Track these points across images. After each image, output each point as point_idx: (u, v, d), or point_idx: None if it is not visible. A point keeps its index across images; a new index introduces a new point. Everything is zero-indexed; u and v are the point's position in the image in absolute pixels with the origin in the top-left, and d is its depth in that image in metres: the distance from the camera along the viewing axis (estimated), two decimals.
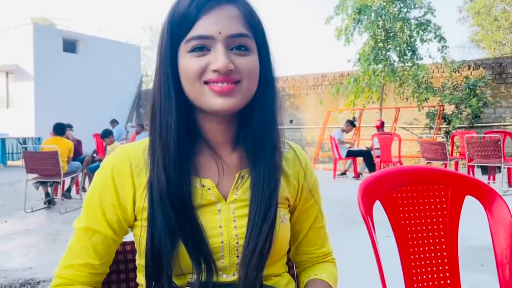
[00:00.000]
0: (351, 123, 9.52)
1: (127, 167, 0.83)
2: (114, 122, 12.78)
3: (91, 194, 0.85)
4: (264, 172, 0.82)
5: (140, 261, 0.86)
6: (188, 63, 0.77)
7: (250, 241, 0.79)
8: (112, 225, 0.84)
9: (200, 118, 0.84)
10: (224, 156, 0.86)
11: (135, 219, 0.85)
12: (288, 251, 0.99)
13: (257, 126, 0.83)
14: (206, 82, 0.77)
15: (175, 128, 0.79)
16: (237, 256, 0.82)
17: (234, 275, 0.82)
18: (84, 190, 6.78)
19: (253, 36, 0.80)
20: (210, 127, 0.84)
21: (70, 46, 16.47)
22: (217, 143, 0.85)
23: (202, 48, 0.76)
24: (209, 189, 0.83)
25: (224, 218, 0.82)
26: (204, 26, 0.75)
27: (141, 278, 0.87)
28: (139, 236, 0.83)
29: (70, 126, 7.11)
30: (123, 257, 0.99)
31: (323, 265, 0.97)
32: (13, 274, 3.27)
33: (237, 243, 0.81)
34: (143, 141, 0.86)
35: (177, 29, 0.77)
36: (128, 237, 0.91)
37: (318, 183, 0.97)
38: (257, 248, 0.78)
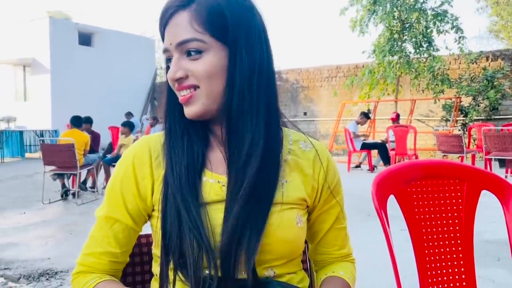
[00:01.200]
0: (366, 115, 9.44)
1: (147, 158, 0.85)
2: (129, 114, 12.90)
3: (113, 183, 0.87)
4: (238, 174, 0.79)
5: (155, 251, 0.88)
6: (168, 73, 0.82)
7: (223, 241, 0.77)
8: (133, 214, 0.85)
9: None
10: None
11: (153, 209, 0.86)
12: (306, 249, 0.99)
13: (235, 125, 0.80)
14: (178, 90, 0.81)
15: (184, 124, 0.82)
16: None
17: (244, 273, 0.82)
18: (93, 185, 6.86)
19: (212, 35, 0.77)
20: (213, 127, 0.86)
21: (85, 39, 16.62)
22: (220, 140, 0.85)
23: (170, 59, 0.82)
24: (223, 185, 0.83)
25: None
26: (165, 40, 0.81)
27: (156, 268, 0.89)
28: (155, 227, 0.85)
29: (90, 121, 7.10)
30: (138, 249, 1.00)
31: (341, 263, 0.95)
32: (31, 264, 3.34)
33: None
34: (163, 132, 0.87)
35: (163, 40, 0.84)
36: (143, 230, 0.92)
37: (341, 184, 0.94)
38: (232, 249, 0.76)
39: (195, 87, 0.79)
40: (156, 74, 19.34)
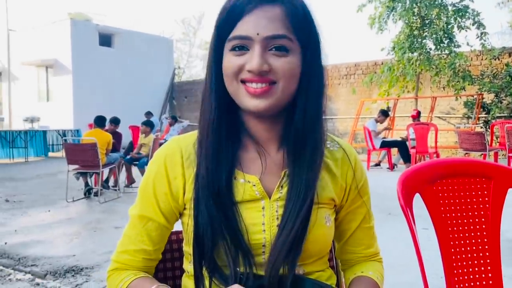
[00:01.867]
0: (384, 113, 9.32)
1: (179, 158, 0.87)
2: (149, 114, 13.03)
3: (145, 183, 0.89)
4: (302, 172, 0.81)
5: (186, 248, 0.89)
6: (228, 60, 0.79)
7: (279, 239, 0.79)
8: (165, 213, 0.87)
9: (245, 116, 0.86)
10: (270, 153, 0.86)
11: (184, 208, 0.88)
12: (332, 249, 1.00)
13: (299, 125, 0.82)
14: (242, 81, 0.79)
15: (217, 124, 0.82)
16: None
17: (284, 270, 0.83)
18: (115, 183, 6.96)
19: (296, 36, 0.78)
20: (254, 125, 0.86)
21: (106, 40, 16.86)
22: (262, 140, 0.86)
23: (242, 48, 0.78)
24: (254, 185, 0.84)
25: (267, 215, 0.83)
26: (244, 26, 0.77)
27: (187, 265, 0.91)
28: (186, 225, 0.87)
29: (116, 122, 7.17)
30: (169, 246, 1.03)
31: (370, 263, 0.96)
32: (57, 261, 3.42)
33: None
34: (194, 133, 0.89)
35: (222, 28, 0.80)
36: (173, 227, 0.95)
37: (368, 183, 0.95)
38: (285, 246, 0.78)
39: (273, 82, 0.78)
40: (174, 73, 19.50)
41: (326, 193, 0.86)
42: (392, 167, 8.92)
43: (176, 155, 0.87)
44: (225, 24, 0.79)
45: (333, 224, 0.89)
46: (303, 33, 0.80)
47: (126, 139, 9.60)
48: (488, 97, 10.77)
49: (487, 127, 9.79)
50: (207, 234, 0.80)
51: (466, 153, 8.07)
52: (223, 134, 0.83)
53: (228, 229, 0.79)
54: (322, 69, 0.83)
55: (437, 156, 8.46)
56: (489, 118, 10.47)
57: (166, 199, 0.87)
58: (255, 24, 0.77)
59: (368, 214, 0.95)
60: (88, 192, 6.26)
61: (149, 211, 0.88)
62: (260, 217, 0.83)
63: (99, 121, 6.53)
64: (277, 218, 0.83)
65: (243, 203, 0.83)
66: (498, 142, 9.54)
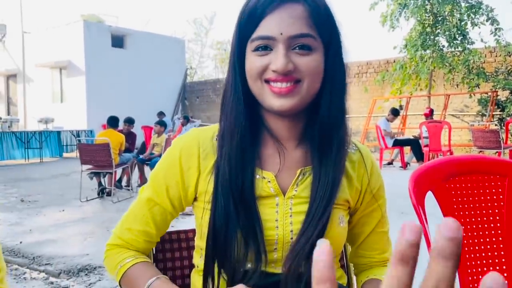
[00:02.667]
0: (394, 112, 9.23)
1: (196, 149, 0.87)
2: (161, 114, 13.11)
3: (158, 169, 0.90)
4: (328, 170, 0.81)
5: (198, 242, 0.89)
6: (251, 61, 0.79)
7: (303, 237, 0.79)
8: (173, 201, 0.88)
9: (265, 114, 0.85)
10: (288, 150, 0.86)
11: (195, 200, 0.88)
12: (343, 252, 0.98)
13: (324, 123, 0.82)
14: (266, 81, 0.79)
15: (240, 121, 0.82)
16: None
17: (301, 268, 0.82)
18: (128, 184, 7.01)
19: (318, 34, 0.78)
20: (275, 123, 0.85)
21: (118, 41, 17.00)
22: (281, 137, 0.86)
23: (265, 48, 0.78)
24: (269, 181, 0.84)
25: (281, 212, 0.83)
26: (267, 26, 0.77)
27: (197, 259, 0.90)
28: (200, 218, 0.87)
29: (131, 122, 7.22)
30: (177, 245, 1.03)
31: (384, 268, 0.94)
32: (71, 260, 3.46)
33: (291, 238, 0.82)
34: (213, 126, 0.90)
35: (244, 27, 0.79)
36: (182, 226, 0.95)
37: (384, 188, 0.94)
38: (309, 243, 0.78)
39: (298, 81, 0.78)
40: (186, 74, 19.58)
41: (342, 194, 0.86)
42: (405, 165, 8.84)
43: (193, 147, 0.87)
44: (247, 24, 0.79)
45: (347, 225, 0.89)
46: (326, 31, 0.79)
47: (139, 139, 9.68)
48: (503, 94, 10.60)
49: (502, 124, 9.64)
50: (224, 229, 0.80)
51: (481, 151, 7.96)
52: (246, 132, 0.83)
53: (248, 226, 0.80)
54: (344, 67, 0.83)
55: (451, 154, 8.36)
56: (504, 116, 10.31)
57: (176, 188, 0.88)
58: (278, 24, 0.76)
59: (383, 218, 0.93)
60: (101, 192, 6.31)
61: (157, 197, 0.89)
62: (274, 214, 0.83)
63: (112, 122, 6.59)
64: (291, 216, 0.83)
65: (258, 199, 0.83)
66: None
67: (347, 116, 0.85)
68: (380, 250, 0.94)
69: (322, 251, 0.28)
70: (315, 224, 0.79)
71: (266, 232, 0.81)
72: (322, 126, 0.82)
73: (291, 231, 0.82)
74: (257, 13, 0.77)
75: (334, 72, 0.81)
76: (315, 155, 0.83)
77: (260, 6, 0.77)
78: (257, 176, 0.84)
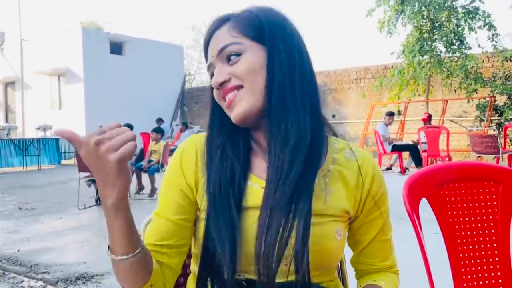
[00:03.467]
0: (389, 115, 9.25)
1: (194, 155, 0.87)
2: (160, 120, 13.10)
3: (164, 180, 0.89)
4: (279, 184, 0.77)
5: (194, 249, 0.88)
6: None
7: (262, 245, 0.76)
8: (180, 209, 0.85)
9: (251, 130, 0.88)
10: None
11: (197, 208, 0.87)
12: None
13: (279, 124, 0.80)
14: (224, 99, 0.84)
15: (225, 133, 0.86)
16: (285, 265, 0.79)
17: (287, 278, 0.81)
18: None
19: (247, 37, 0.82)
20: (254, 133, 0.87)
21: (116, 48, 17.04)
22: (266, 146, 0.84)
23: (213, 74, 0.86)
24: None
25: None
26: (208, 57, 0.87)
27: (194, 266, 0.90)
28: (196, 226, 0.86)
29: (130, 128, 7.25)
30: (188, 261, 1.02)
31: (384, 274, 0.93)
32: (68, 268, 3.45)
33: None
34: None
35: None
36: None
37: (387, 194, 0.91)
38: (270, 253, 0.75)
39: (239, 87, 0.81)
40: (185, 80, 19.61)
41: (340, 205, 0.84)
42: (403, 170, 8.84)
43: (191, 154, 0.88)
44: (206, 56, 0.89)
45: (345, 237, 0.87)
46: (257, 30, 0.82)
47: (137, 146, 9.67)
48: (501, 99, 10.64)
49: (500, 129, 9.67)
50: (218, 238, 0.79)
51: (479, 156, 7.97)
52: (234, 140, 0.85)
53: (231, 234, 0.78)
54: (292, 60, 0.82)
55: (449, 159, 8.37)
56: (502, 121, 10.34)
57: (182, 193, 0.86)
58: (210, 50, 0.85)
59: (385, 225, 0.91)
60: (99, 199, 6.30)
61: (162, 209, 0.87)
62: None
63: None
64: None
65: (253, 209, 0.81)
66: (511, 144, 9.41)
67: (319, 115, 0.84)
68: (381, 258, 0.92)
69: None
70: (273, 236, 0.76)
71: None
72: (273, 128, 0.80)
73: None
74: (205, 48, 0.88)
75: (282, 67, 0.80)
76: (269, 154, 0.81)
77: (205, 44, 0.88)
78: (256, 186, 0.83)
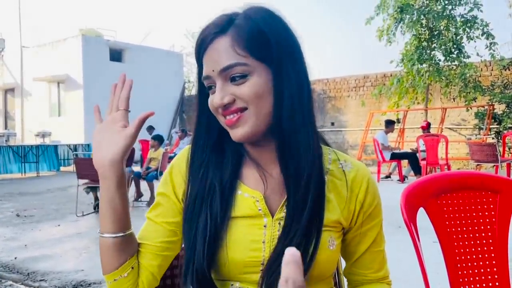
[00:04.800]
0: (388, 123, 9.26)
1: (184, 166, 0.88)
2: (151, 128, 12.89)
3: (157, 188, 0.92)
4: (302, 192, 0.79)
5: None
6: (209, 100, 0.81)
7: (275, 254, 0.77)
8: (164, 211, 0.88)
9: (246, 144, 0.86)
10: (272, 174, 0.84)
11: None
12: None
13: (290, 144, 0.80)
14: (223, 115, 0.80)
15: (212, 142, 0.85)
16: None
17: None
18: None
19: (254, 57, 0.76)
20: (251, 149, 0.85)
21: (116, 55, 17.09)
22: (262, 162, 0.85)
23: (210, 87, 0.80)
24: (257, 201, 0.82)
25: (268, 234, 0.81)
26: (204, 66, 0.80)
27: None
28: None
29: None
30: (177, 262, 1.02)
31: (377, 285, 0.92)
32: (66, 276, 3.43)
33: None
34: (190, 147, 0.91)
35: (199, 66, 0.83)
36: None
37: (381, 206, 0.91)
38: (273, 267, 0.76)
39: (243, 109, 0.78)
40: (184, 87, 19.65)
41: (333, 216, 0.83)
42: (402, 179, 8.83)
43: (182, 164, 0.89)
44: (198, 64, 0.83)
45: (338, 247, 0.86)
46: (263, 50, 0.77)
47: (136, 153, 9.67)
48: (499, 108, 10.67)
49: (499, 138, 9.68)
50: (200, 248, 0.80)
51: (478, 165, 7.97)
52: (222, 149, 0.85)
53: (217, 243, 0.80)
54: (303, 78, 0.80)
55: (448, 167, 8.37)
56: (501, 129, 10.36)
57: (170, 201, 0.88)
58: (210, 62, 0.78)
59: (379, 237, 0.91)
60: (97, 207, 6.28)
61: (154, 215, 0.90)
62: (261, 235, 0.81)
63: None
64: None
65: (246, 218, 0.81)
66: (510, 153, 9.42)
67: (317, 129, 0.83)
68: (374, 269, 0.92)
69: (292, 253, 0.38)
70: (280, 248, 0.77)
71: (252, 253, 0.80)
72: (290, 148, 0.80)
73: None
74: (199, 54, 0.81)
75: (291, 87, 0.78)
76: (286, 180, 0.81)
77: (197, 48, 0.81)
78: (245, 195, 0.83)
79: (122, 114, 0.89)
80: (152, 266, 0.86)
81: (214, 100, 0.77)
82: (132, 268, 0.83)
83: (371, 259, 0.90)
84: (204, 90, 0.83)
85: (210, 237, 0.79)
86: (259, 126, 0.78)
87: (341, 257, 0.97)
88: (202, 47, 0.79)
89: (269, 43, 0.77)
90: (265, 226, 0.81)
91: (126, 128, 0.81)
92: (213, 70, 0.77)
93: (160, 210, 0.88)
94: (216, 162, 0.84)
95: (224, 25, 0.78)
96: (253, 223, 0.82)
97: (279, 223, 0.81)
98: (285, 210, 0.81)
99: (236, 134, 0.78)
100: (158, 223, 0.87)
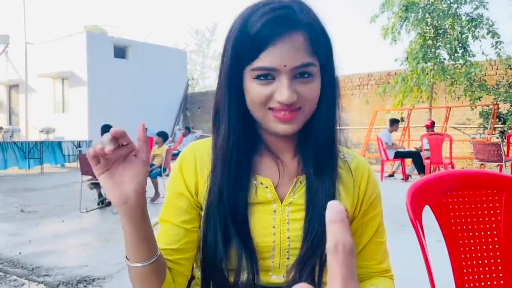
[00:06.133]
0: (392, 122, 9.24)
1: (193, 162, 0.89)
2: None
3: (166, 188, 0.92)
4: (324, 178, 0.83)
5: (197, 253, 0.90)
6: (253, 88, 0.78)
7: (304, 245, 0.81)
8: (181, 211, 0.88)
9: (262, 131, 0.87)
10: (285, 160, 0.88)
11: (201, 208, 0.89)
12: None
13: (318, 136, 0.84)
14: (270, 108, 0.79)
15: (235, 135, 0.83)
16: (287, 258, 0.84)
17: (283, 276, 0.84)
18: None
19: (318, 59, 0.79)
20: (271, 139, 0.87)
21: (120, 52, 17.11)
22: (278, 150, 0.88)
23: (266, 76, 0.77)
24: (266, 187, 0.85)
25: (278, 219, 0.84)
26: (269, 58, 0.75)
27: (196, 271, 0.91)
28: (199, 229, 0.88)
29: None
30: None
31: (381, 278, 0.94)
32: (70, 271, 3.44)
33: (288, 245, 0.84)
34: (210, 139, 0.91)
35: (242, 54, 0.78)
36: None
37: (381, 197, 0.95)
38: (310, 252, 0.80)
39: (299, 108, 0.79)
40: (188, 85, 19.66)
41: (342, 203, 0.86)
42: (406, 177, 8.82)
43: (190, 158, 0.90)
44: (247, 52, 0.77)
45: None
46: (323, 54, 0.80)
47: None
48: (504, 107, 10.62)
49: (503, 137, 9.64)
50: (218, 238, 0.81)
51: (482, 164, 7.94)
52: (240, 148, 0.83)
53: (239, 232, 0.81)
54: (336, 82, 0.85)
55: (452, 166, 8.34)
56: (505, 128, 10.31)
57: (184, 198, 0.88)
58: (281, 56, 0.75)
59: (380, 227, 0.94)
60: (101, 203, 6.31)
61: (166, 214, 0.89)
62: (271, 220, 0.84)
63: (106, 130, 6.59)
64: (288, 222, 0.84)
65: (256, 205, 0.84)
66: None
67: (339, 127, 0.87)
68: (378, 260, 0.94)
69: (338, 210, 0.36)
70: (315, 233, 0.80)
71: (262, 239, 0.83)
72: (317, 139, 0.84)
73: (288, 237, 0.84)
74: (258, 43, 0.75)
75: (330, 90, 0.83)
76: (309, 165, 0.85)
77: (261, 36, 0.75)
78: (255, 182, 0.85)
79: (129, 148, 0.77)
80: (182, 269, 0.87)
81: (283, 96, 0.75)
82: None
83: (374, 250, 0.93)
84: (236, 80, 0.80)
85: (234, 225, 0.81)
86: (304, 122, 0.82)
87: None
88: (270, 35, 0.74)
89: (327, 48, 0.81)
90: (274, 212, 0.84)
91: (138, 155, 0.74)
92: (284, 65, 0.75)
93: (175, 210, 0.88)
94: (236, 158, 0.83)
95: (301, 21, 0.76)
96: (263, 209, 0.85)
97: (288, 209, 0.85)
98: (293, 196, 0.85)
99: (287, 129, 0.80)
100: (176, 223, 0.87)
